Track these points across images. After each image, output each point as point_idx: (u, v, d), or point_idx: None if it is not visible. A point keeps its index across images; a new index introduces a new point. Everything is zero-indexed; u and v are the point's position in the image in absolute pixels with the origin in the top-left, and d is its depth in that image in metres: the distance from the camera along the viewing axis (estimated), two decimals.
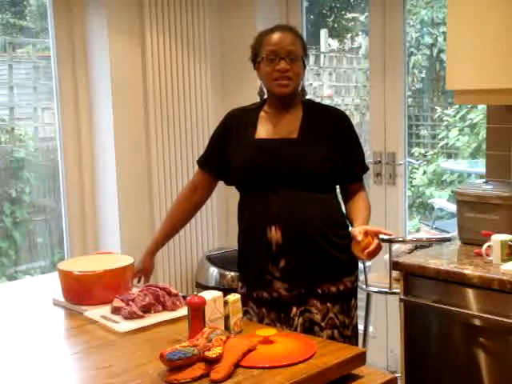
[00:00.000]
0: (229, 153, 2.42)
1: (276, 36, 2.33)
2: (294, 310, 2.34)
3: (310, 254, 2.32)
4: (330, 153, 2.34)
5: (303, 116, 2.38)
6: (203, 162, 2.54)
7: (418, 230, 4.72)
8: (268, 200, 2.33)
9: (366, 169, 2.50)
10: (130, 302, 2.17)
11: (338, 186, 2.49)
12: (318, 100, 4.71)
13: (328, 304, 2.35)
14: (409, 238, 3.28)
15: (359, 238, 2.18)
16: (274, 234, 2.30)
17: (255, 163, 2.35)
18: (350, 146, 2.41)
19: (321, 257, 2.33)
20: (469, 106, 4.50)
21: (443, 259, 2.65)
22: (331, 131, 2.37)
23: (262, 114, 2.43)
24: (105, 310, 2.21)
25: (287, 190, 2.31)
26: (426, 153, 4.89)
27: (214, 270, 3.92)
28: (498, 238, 2.54)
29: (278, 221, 2.30)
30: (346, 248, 2.34)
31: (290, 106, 2.39)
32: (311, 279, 2.34)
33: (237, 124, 2.45)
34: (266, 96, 2.46)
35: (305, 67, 2.39)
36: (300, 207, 2.31)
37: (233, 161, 2.41)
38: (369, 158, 3.94)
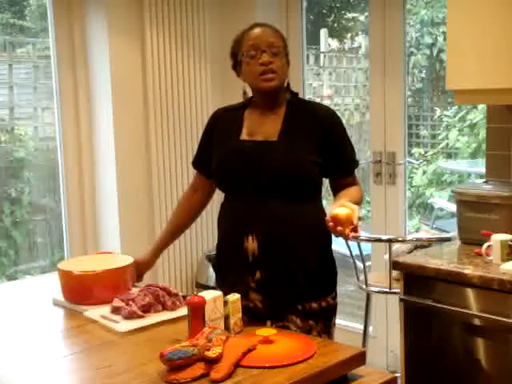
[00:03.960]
0: (213, 153, 2.35)
1: (255, 31, 2.25)
2: (269, 323, 2.18)
3: (288, 268, 2.20)
4: (313, 154, 2.21)
5: (285, 116, 2.26)
6: (196, 162, 2.49)
7: (417, 230, 4.72)
8: (246, 207, 2.22)
9: (356, 163, 2.36)
10: (130, 302, 2.17)
11: (327, 187, 2.39)
12: (318, 100, 4.72)
13: (310, 322, 2.23)
14: (409, 238, 3.28)
15: (330, 223, 2.03)
16: (251, 243, 2.20)
17: (231, 166, 2.26)
18: (337, 143, 2.27)
19: (300, 272, 2.21)
20: (468, 106, 4.50)
21: (443, 259, 2.65)
22: (315, 130, 2.24)
23: (247, 114, 2.33)
24: (105, 309, 2.21)
25: (266, 197, 2.19)
26: (425, 153, 4.89)
27: (213, 270, 3.92)
28: (497, 238, 2.54)
29: (254, 230, 2.19)
30: (329, 263, 2.29)
31: (274, 105, 2.27)
32: (288, 295, 2.22)
33: (221, 124, 2.37)
34: (250, 96, 2.36)
35: (288, 63, 2.28)
36: (278, 217, 2.19)
37: (213, 162, 2.33)
38: (369, 158, 3.95)
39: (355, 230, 2.03)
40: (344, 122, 2.39)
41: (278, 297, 2.23)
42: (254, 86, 2.27)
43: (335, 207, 2.08)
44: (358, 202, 2.22)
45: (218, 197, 2.43)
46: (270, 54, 2.19)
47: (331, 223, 2.03)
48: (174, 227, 2.55)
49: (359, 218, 2.04)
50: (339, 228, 2.01)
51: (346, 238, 2.08)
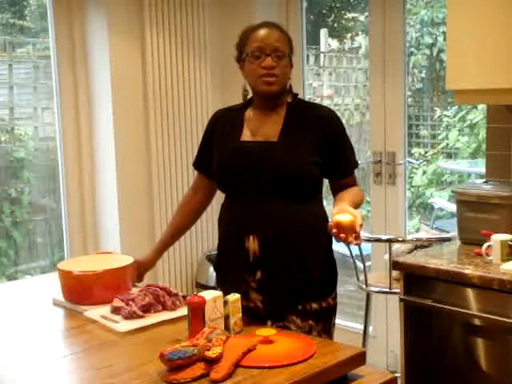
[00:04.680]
0: (214, 154, 2.35)
1: (262, 32, 2.22)
2: (269, 323, 2.18)
3: (288, 269, 2.21)
4: (313, 155, 2.22)
5: (285, 117, 2.27)
6: (197, 163, 2.49)
7: (417, 230, 4.71)
8: (246, 207, 2.23)
9: (355, 164, 2.36)
10: (130, 302, 2.17)
11: (328, 186, 2.38)
12: (317, 100, 4.72)
13: (310, 322, 2.23)
14: (409, 238, 3.28)
15: (333, 230, 2.04)
16: (252, 243, 2.21)
17: (232, 167, 2.26)
18: (337, 144, 2.27)
19: (301, 272, 2.21)
20: (468, 107, 4.50)
21: (443, 259, 2.65)
22: (316, 131, 2.24)
23: (247, 114, 2.32)
24: (105, 309, 2.21)
25: (266, 197, 2.20)
26: (425, 153, 4.89)
27: (213, 270, 3.92)
28: (497, 238, 2.54)
29: (255, 230, 2.20)
30: (329, 264, 2.30)
31: (275, 107, 2.28)
32: (289, 295, 2.22)
33: (222, 124, 2.37)
34: (249, 96, 2.35)
35: (291, 66, 2.28)
36: (279, 217, 2.20)
37: (214, 162, 2.34)
38: (369, 158, 3.95)
39: (357, 237, 2.06)
40: (344, 122, 2.39)
41: (278, 297, 2.23)
42: (254, 88, 2.27)
43: (336, 212, 2.09)
44: (359, 204, 2.25)
45: (219, 197, 2.43)
46: (275, 57, 2.19)
47: (334, 230, 2.04)
48: (175, 228, 2.55)
49: (361, 225, 2.06)
50: (342, 235, 2.03)
51: (349, 245, 2.09)
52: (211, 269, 3.94)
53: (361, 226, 2.06)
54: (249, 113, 2.33)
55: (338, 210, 2.10)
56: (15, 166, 4.01)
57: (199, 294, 1.94)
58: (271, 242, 2.20)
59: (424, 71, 4.79)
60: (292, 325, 2.22)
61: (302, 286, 2.23)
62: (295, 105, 2.31)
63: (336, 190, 2.33)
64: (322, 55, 4.92)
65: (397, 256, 2.95)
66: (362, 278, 3.34)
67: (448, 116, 4.82)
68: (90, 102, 3.91)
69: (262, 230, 2.20)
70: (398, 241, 3.16)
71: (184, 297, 2.24)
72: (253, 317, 2.18)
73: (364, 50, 4.69)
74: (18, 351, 1.98)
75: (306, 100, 3.65)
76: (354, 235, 2.04)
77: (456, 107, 4.63)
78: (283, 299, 2.23)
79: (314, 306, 2.24)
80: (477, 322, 2.49)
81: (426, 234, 3.65)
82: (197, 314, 1.89)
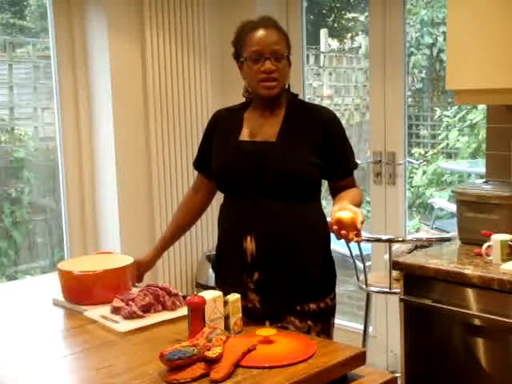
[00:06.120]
0: (213, 153, 2.35)
1: (259, 34, 2.20)
2: (267, 324, 2.18)
3: (286, 270, 2.20)
4: (312, 155, 2.21)
5: (285, 118, 2.26)
6: (197, 163, 2.49)
7: (417, 230, 4.72)
8: (245, 207, 2.23)
9: (355, 165, 2.35)
10: (130, 302, 2.17)
11: (326, 187, 2.37)
12: (317, 100, 4.72)
13: (309, 322, 2.23)
14: (409, 238, 3.28)
15: (334, 227, 2.02)
16: (249, 244, 2.20)
17: (230, 167, 2.26)
18: (336, 145, 2.27)
19: (299, 274, 2.21)
20: (468, 107, 4.50)
21: (443, 259, 2.65)
22: (315, 131, 2.23)
23: (247, 114, 2.33)
24: (105, 309, 2.21)
25: (265, 197, 2.19)
26: (425, 153, 4.89)
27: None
28: (497, 238, 2.54)
29: (253, 231, 2.20)
30: (328, 264, 2.29)
31: (274, 107, 2.27)
32: (287, 296, 2.21)
33: (221, 124, 2.37)
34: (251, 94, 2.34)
35: (290, 64, 2.26)
36: (277, 218, 2.19)
37: (213, 162, 2.34)
38: (369, 158, 3.95)
39: (358, 234, 2.04)
40: (344, 122, 2.40)
41: (276, 298, 2.22)
42: (255, 91, 2.27)
43: (337, 209, 2.08)
44: (358, 205, 2.22)
45: (219, 197, 2.43)
46: (273, 60, 2.18)
47: (335, 226, 2.03)
48: (175, 228, 2.54)
49: (362, 222, 2.05)
50: (343, 232, 2.01)
51: (349, 242, 2.08)
52: (211, 269, 3.93)
53: (362, 223, 2.04)
54: (248, 113, 2.33)
55: (338, 208, 2.09)
56: (15, 166, 4.01)
57: (199, 294, 1.94)
58: (268, 242, 2.20)
59: (424, 71, 4.79)
60: (290, 325, 2.22)
61: (300, 286, 2.22)
62: (295, 105, 2.31)
63: (335, 192, 2.32)
64: (322, 55, 4.92)
65: (397, 256, 2.95)
66: (362, 277, 3.34)
67: (448, 116, 4.82)
68: (90, 102, 3.91)
69: (259, 231, 2.20)
70: (398, 241, 3.16)
71: (184, 297, 2.24)
72: (251, 317, 2.18)
73: (364, 50, 4.69)
74: (18, 351, 1.98)
75: (306, 100, 3.65)
76: (354, 232, 2.03)
77: (456, 107, 4.64)
78: (281, 300, 2.23)
79: (313, 306, 2.24)
80: (477, 322, 2.49)
81: (426, 234, 3.65)
82: (197, 314, 1.89)
